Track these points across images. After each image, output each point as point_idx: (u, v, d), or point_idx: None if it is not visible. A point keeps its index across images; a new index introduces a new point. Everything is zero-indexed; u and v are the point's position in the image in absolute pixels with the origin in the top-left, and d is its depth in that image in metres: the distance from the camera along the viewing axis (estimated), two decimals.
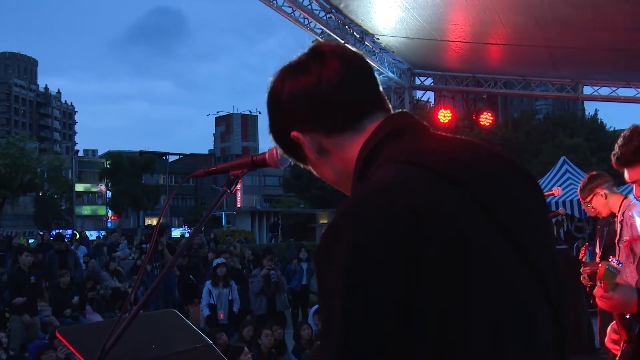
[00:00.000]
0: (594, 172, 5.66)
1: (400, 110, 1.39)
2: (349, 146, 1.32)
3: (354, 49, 1.44)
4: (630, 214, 4.66)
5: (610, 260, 2.62)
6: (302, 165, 1.47)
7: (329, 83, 1.32)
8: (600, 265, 2.59)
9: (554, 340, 1.18)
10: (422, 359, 1.06)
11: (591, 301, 5.56)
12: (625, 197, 5.07)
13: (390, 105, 1.40)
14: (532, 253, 1.18)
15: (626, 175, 2.91)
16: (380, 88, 1.41)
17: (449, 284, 1.06)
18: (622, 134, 2.90)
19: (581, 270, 5.84)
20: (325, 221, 51.82)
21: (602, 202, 5.25)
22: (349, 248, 1.08)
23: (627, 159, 2.84)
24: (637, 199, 4.01)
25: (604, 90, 12.57)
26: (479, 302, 1.08)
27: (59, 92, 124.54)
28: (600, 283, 2.56)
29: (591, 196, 5.28)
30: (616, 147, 2.89)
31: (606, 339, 2.87)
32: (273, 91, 1.40)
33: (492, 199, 1.17)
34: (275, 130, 1.43)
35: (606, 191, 5.26)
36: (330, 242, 1.12)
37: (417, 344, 1.06)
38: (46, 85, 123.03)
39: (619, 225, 4.74)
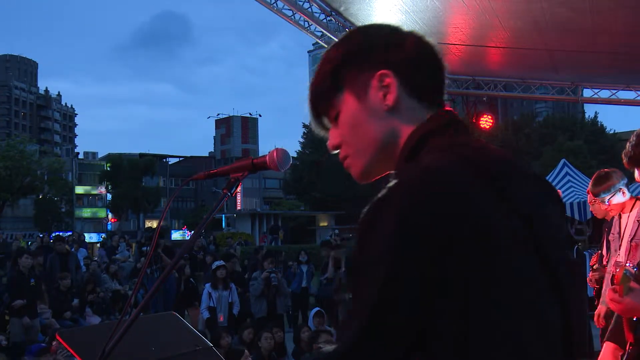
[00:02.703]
0: (607, 170, 5.29)
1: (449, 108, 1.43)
2: (416, 118, 1.34)
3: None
4: None
5: (627, 265, 2.63)
6: (325, 123, 1.44)
7: (436, 52, 1.40)
8: (618, 270, 2.59)
9: (562, 340, 1.22)
10: (444, 338, 1.10)
11: (595, 303, 5.54)
12: (638, 198, 5.00)
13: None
14: (551, 254, 1.22)
15: (637, 175, 2.91)
16: None
17: (479, 269, 1.10)
18: (635, 133, 2.89)
19: (589, 275, 5.76)
20: (326, 223, 51.87)
21: (622, 199, 5.00)
22: (398, 223, 1.11)
23: (639, 159, 2.84)
24: None
25: (604, 93, 12.57)
26: (502, 292, 1.12)
27: (59, 95, 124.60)
28: (617, 287, 2.57)
29: (613, 193, 4.98)
30: (628, 146, 2.88)
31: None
32: (380, 29, 1.41)
33: (520, 198, 1.22)
34: (356, 59, 1.37)
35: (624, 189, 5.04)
36: (378, 215, 1.14)
37: (441, 321, 1.10)
38: (46, 88, 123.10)
39: (636, 223, 4.63)
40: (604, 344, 2.95)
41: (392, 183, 1.17)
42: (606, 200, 4.97)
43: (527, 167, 1.32)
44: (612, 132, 58.34)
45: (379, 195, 1.17)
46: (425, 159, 1.21)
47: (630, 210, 4.92)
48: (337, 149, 1.42)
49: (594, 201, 5.20)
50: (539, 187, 1.31)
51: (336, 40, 1.45)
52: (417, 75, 1.35)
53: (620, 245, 4.76)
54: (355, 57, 1.36)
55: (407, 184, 1.15)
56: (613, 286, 2.61)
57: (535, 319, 1.16)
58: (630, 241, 4.57)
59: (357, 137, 1.37)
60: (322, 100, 1.40)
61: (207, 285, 11.10)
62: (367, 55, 1.35)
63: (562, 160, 18.37)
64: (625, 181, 5.07)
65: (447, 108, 1.39)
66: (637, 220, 4.68)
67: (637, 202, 4.94)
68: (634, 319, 2.66)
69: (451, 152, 1.21)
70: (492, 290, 1.11)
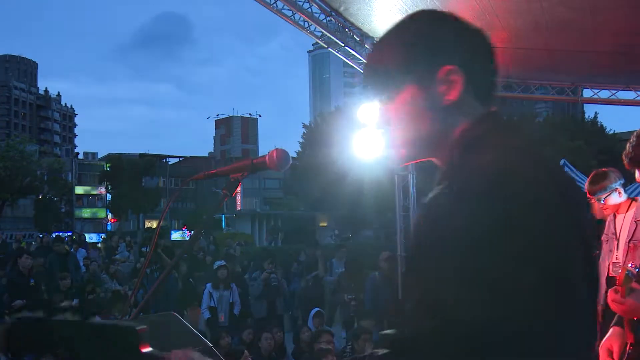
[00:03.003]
0: (605, 169, 5.27)
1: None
2: (471, 114, 1.38)
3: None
4: None
5: (629, 266, 2.63)
6: (387, 103, 1.44)
7: (493, 48, 1.48)
8: (620, 270, 2.60)
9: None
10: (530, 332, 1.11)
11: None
12: (634, 199, 4.97)
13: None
14: (589, 247, 1.28)
15: (637, 175, 2.90)
16: None
17: (558, 257, 1.14)
18: (635, 134, 2.88)
19: None
20: (325, 224, 51.86)
21: (618, 200, 4.96)
22: (487, 213, 1.14)
23: None
24: None
25: (604, 93, 12.56)
26: (573, 288, 1.16)
27: (59, 95, 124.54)
28: (618, 288, 2.57)
29: (609, 193, 4.95)
30: (629, 147, 2.87)
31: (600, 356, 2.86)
32: (449, 24, 1.45)
33: (575, 204, 1.27)
34: (426, 54, 1.40)
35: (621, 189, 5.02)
36: (460, 207, 1.17)
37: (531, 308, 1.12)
38: (46, 88, 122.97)
39: (634, 224, 4.63)
40: (611, 329, 2.93)
41: (464, 175, 1.22)
42: (602, 200, 4.93)
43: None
44: (612, 132, 58.31)
45: (450, 188, 1.22)
46: (489, 155, 1.24)
47: (627, 211, 4.89)
48: (383, 127, 1.45)
49: (590, 200, 5.12)
50: (580, 192, 1.39)
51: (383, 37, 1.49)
52: (479, 74, 1.40)
53: (616, 246, 4.73)
54: (427, 48, 1.40)
55: (491, 177, 1.18)
56: (614, 287, 2.61)
57: (589, 320, 1.22)
58: (629, 242, 4.56)
59: (412, 124, 1.40)
60: (385, 79, 1.43)
61: (208, 285, 11.11)
62: (439, 48, 1.39)
63: (562, 161, 18.34)
64: (622, 181, 5.05)
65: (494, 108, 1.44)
66: (635, 221, 4.67)
67: (633, 203, 4.92)
68: (635, 319, 2.66)
69: (518, 150, 1.26)
70: (567, 286, 1.15)
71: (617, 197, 4.94)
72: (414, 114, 1.38)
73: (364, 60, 10.21)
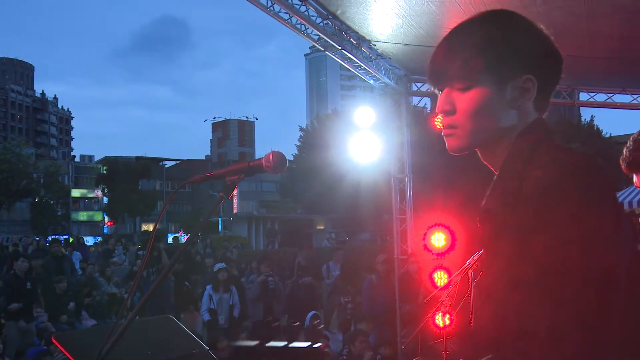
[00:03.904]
0: None
1: None
2: (526, 120, 1.49)
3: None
4: None
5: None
6: (451, 87, 1.53)
7: (561, 58, 1.57)
8: None
9: None
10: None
11: None
12: None
13: None
14: None
15: (635, 179, 2.90)
16: None
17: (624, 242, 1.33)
18: (633, 138, 2.87)
19: None
20: (322, 226, 51.83)
21: None
22: (584, 194, 1.28)
23: (638, 164, 2.84)
24: None
25: (600, 97, 12.58)
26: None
27: (55, 98, 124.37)
28: None
29: None
30: (626, 151, 2.86)
31: None
32: (537, 32, 1.54)
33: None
34: (510, 56, 1.48)
35: None
36: (558, 198, 1.28)
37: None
38: (43, 91, 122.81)
39: None
40: None
41: (545, 170, 1.33)
42: None
43: None
44: (608, 135, 58.37)
45: (541, 181, 1.31)
46: (557, 154, 1.39)
47: None
48: (444, 114, 1.53)
49: None
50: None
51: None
52: (548, 83, 1.50)
53: None
54: (513, 53, 1.47)
55: (579, 171, 1.33)
56: None
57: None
58: None
59: (478, 120, 1.48)
60: (465, 72, 1.49)
61: (208, 287, 11.11)
62: (522, 55, 1.47)
63: None
64: None
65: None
66: None
67: None
68: None
69: (578, 153, 1.40)
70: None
71: None
72: (483, 110, 1.47)
73: (361, 64, 10.22)
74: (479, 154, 1.54)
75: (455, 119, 1.49)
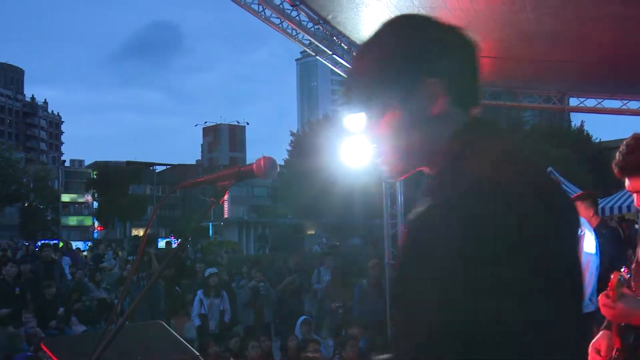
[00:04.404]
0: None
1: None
2: (456, 123, 1.37)
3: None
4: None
5: (622, 271, 2.65)
6: (377, 123, 1.42)
7: (478, 61, 1.44)
8: (612, 275, 2.61)
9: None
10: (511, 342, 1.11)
11: None
12: None
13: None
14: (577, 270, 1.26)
15: (627, 184, 2.91)
16: None
17: (544, 267, 1.14)
18: (625, 142, 2.88)
19: None
20: (313, 232, 51.84)
21: None
22: (466, 226, 1.13)
23: (632, 168, 2.84)
24: (637, 209, 4.10)
25: (590, 102, 12.64)
26: (559, 302, 1.16)
27: (45, 102, 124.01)
28: (610, 292, 2.59)
29: None
30: (619, 155, 2.87)
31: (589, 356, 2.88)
32: (429, 33, 1.40)
33: (561, 214, 1.25)
34: (405, 68, 1.37)
35: None
36: (444, 223, 1.17)
37: (512, 318, 1.12)
38: (33, 95, 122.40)
39: None
40: (600, 331, 2.95)
41: (448, 190, 1.21)
42: None
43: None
44: (598, 140, 58.72)
45: (437, 202, 1.21)
46: (474, 165, 1.23)
47: None
48: (373, 142, 1.44)
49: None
50: (568, 200, 1.36)
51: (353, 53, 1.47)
52: (463, 82, 1.39)
53: None
54: (408, 60, 1.37)
55: (472, 193, 1.18)
56: (606, 292, 2.63)
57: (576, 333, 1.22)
58: None
59: (399, 140, 1.39)
60: (369, 94, 1.41)
61: (199, 292, 11.07)
62: (420, 60, 1.37)
63: (549, 169, 18.47)
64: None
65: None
66: None
67: None
68: (623, 325, 2.67)
69: (501, 160, 1.24)
70: (551, 300, 1.14)
71: None
72: (401, 127, 1.37)
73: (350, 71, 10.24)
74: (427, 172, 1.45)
75: (383, 146, 1.42)
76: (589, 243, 5.26)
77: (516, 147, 1.31)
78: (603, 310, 2.66)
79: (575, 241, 1.27)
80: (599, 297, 2.66)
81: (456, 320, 1.12)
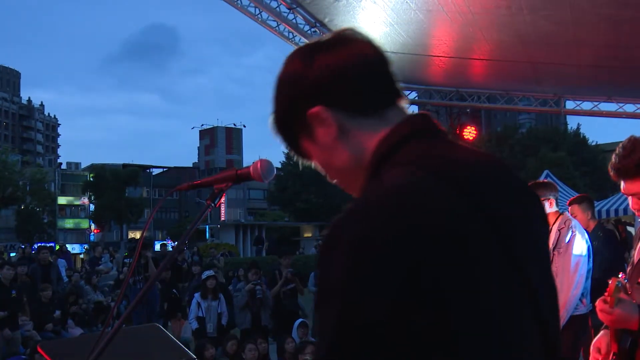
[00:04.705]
0: (545, 181, 6.12)
1: (421, 112, 1.38)
2: (371, 132, 1.29)
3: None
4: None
5: (620, 276, 2.65)
6: (301, 160, 1.42)
7: (364, 63, 1.31)
8: (610, 281, 2.61)
9: (541, 351, 1.20)
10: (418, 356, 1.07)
11: None
12: (562, 213, 5.64)
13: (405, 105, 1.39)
14: (527, 265, 1.20)
15: (623, 186, 2.91)
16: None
17: (449, 284, 1.08)
18: (622, 145, 2.87)
19: None
20: (310, 234, 51.78)
21: (547, 210, 5.52)
22: (352, 247, 1.08)
23: (628, 171, 2.84)
24: (625, 212, 4.12)
25: (586, 105, 12.67)
26: (475, 304, 1.09)
27: (42, 105, 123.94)
28: (607, 298, 2.59)
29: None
30: (615, 157, 2.87)
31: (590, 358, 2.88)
32: (296, 69, 1.33)
33: (496, 209, 1.19)
34: (289, 111, 1.34)
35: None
36: (335, 240, 1.12)
37: (413, 341, 1.06)
38: (29, 98, 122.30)
39: (557, 233, 5.38)
40: (601, 331, 2.95)
41: (351, 205, 1.15)
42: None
43: (506, 172, 1.30)
44: (594, 143, 58.86)
45: (337, 219, 1.14)
46: (387, 176, 1.19)
47: (553, 224, 5.43)
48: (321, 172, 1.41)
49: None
50: (519, 195, 1.29)
51: (355, 31, 1.39)
52: (350, 95, 1.30)
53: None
54: (290, 96, 1.34)
55: (367, 206, 1.14)
56: (603, 297, 2.63)
57: (516, 332, 1.15)
58: (553, 250, 5.26)
59: (331, 171, 1.37)
60: (289, 144, 1.40)
61: (197, 295, 11.04)
62: (300, 91, 1.32)
63: (545, 172, 18.51)
64: (556, 194, 5.66)
65: (410, 112, 1.35)
66: (558, 230, 5.33)
67: (560, 216, 5.53)
68: (620, 329, 2.68)
69: (415, 165, 1.19)
70: (472, 305, 1.09)
71: (547, 207, 5.48)
72: (326, 164, 1.36)
73: None
74: None
75: (329, 177, 1.40)
76: (578, 245, 5.30)
77: (444, 146, 1.26)
78: (600, 316, 2.66)
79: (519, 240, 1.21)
80: (597, 303, 2.66)
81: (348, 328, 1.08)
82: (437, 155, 1.23)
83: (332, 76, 1.29)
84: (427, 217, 1.10)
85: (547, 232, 1.36)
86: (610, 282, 2.60)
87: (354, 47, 1.33)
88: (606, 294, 2.60)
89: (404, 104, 1.36)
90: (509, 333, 1.13)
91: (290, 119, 1.35)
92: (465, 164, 1.23)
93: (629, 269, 3.01)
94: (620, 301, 2.56)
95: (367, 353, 1.07)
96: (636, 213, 3.03)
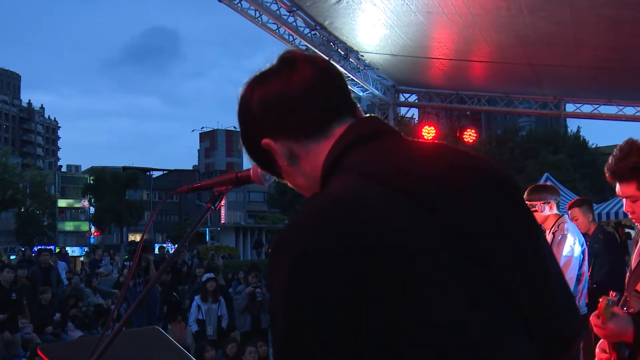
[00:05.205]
0: (547, 184, 6.09)
1: (369, 115, 1.39)
2: (317, 152, 1.31)
3: (322, 55, 1.46)
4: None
5: (610, 295, 2.65)
6: (276, 178, 1.48)
7: (297, 87, 1.33)
8: (600, 300, 2.61)
9: (529, 349, 1.17)
10: None
11: None
12: (561, 216, 5.56)
13: (361, 112, 1.39)
14: (494, 265, 1.16)
15: (618, 189, 2.91)
16: (351, 95, 1.40)
17: (395, 295, 1.06)
18: (619, 147, 2.87)
19: None
20: None
21: (547, 212, 5.50)
22: (291, 263, 1.09)
23: (623, 173, 2.84)
24: (625, 215, 4.13)
25: (586, 108, 12.68)
26: (426, 314, 1.07)
27: (42, 108, 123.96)
28: (599, 314, 2.59)
29: (541, 203, 5.48)
30: (612, 160, 2.87)
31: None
32: (243, 100, 1.39)
33: (448, 210, 1.16)
34: (247, 140, 1.42)
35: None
36: (277, 256, 1.13)
37: (360, 355, 1.05)
38: (29, 100, 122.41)
39: (551, 235, 5.34)
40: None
41: (293, 217, 1.17)
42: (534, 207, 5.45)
43: (470, 167, 1.27)
44: (594, 146, 58.86)
45: (282, 230, 1.16)
46: (330, 186, 1.21)
47: (551, 227, 5.45)
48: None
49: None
50: (485, 192, 1.24)
51: (299, 51, 1.43)
52: (288, 124, 1.33)
53: None
54: (246, 134, 1.41)
55: (299, 223, 1.15)
56: (595, 313, 2.64)
57: (468, 341, 1.09)
58: None
59: (297, 186, 1.42)
60: (259, 166, 1.49)
61: (197, 298, 11.03)
62: (248, 130, 1.40)
63: (545, 174, 18.49)
64: (557, 198, 5.60)
65: (358, 119, 1.35)
66: (552, 233, 5.32)
67: (559, 219, 5.48)
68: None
69: (357, 171, 1.20)
70: (419, 314, 1.06)
71: (547, 210, 5.47)
72: (295, 186, 1.42)
73: (349, 74, 10.24)
74: None
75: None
76: (568, 246, 5.29)
77: (398, 150, 1.26)
78: (595, 330, 2.67)
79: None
80: (590, 318, 2.67)
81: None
82: (379, 160, 1.23)
83: (267, 109, 1.34)
84: (368, 230, 1.09)
85: (528, 229, 1.28)
86: (600, 300, 2.60)
87: (289, 73, 1.35)
88: (597, 311, 2.61)
89: (354, 112, 1.37)
90: (467, 342, 1.09)
91: (251, 146, 1.41)
92: (410, 165, 1.22)
93: (627, 275, 3.02)
94: (613, 316, 2.57)
95: None
96: (629, 216, 3.03)
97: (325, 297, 1.06)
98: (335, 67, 1.41)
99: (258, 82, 1.38)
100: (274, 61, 1.40)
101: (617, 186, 2.91)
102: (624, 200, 2.94)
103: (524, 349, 1.16)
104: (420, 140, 1.35)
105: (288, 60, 1.37)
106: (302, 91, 1.33)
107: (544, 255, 1.28)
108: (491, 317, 1.13)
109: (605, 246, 7.05)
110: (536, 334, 1.19)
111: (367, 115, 1.38)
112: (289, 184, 1.43)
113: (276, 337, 1.11)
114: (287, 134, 1.33)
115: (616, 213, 15.36)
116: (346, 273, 1.06)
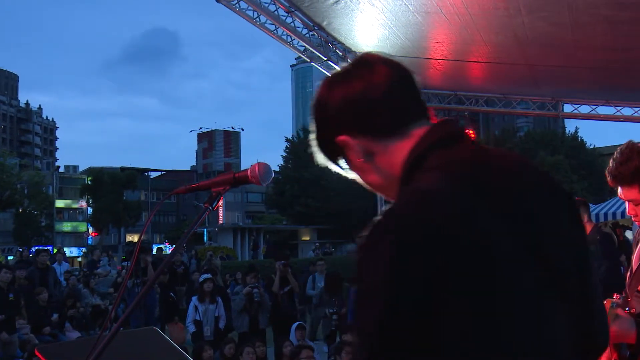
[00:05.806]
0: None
1: (445, 118, 1.45)
2: (396, 151, 1.38)
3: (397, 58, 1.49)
4: None
5: (614, 297, 2.66)
6: (344, 174, 1.52)
7: (379, 88, 1.39)
8: (605, 302, 2.62)
9: (574, 340, 1.27)
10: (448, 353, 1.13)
11: None
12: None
13: (433, 113, 1.47)
14: (556, 263, 1.26)
15: (620, 192, 2.91)
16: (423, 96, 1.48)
17: (473, 284, 1.14)
18: (619, 150, 2.87)
19: None
20: (308, 238, 51.83)
21: None
22: (393, 247, 1.15)
23: (624, 177, 2.84)
24: (623, 215, 4.12)
25: (584, 109, 12.69)
26: (497, 304, 1.15)
27: (40, 108, 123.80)
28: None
29: None
30: (612, 163, 2.87)
31: None
32: (320, 99, 1.45)
33: (521, 212, 1.25)
34: (322, 136, 1.46)
35: None
36: (374, 242, 1.18)
37: (445, 338, 1.12)
38: (27, 101, 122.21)
39: None
40: None
41: (386, 208, 1.22)
42: None
43: (535, 174, 1.36)
44: (592, 147, 58.94)
45: (375, 221, 1.21)
46: (417, 182, 1.26)
47: None
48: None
49: None
50: (548, 198, 1.34)
51: (375, 53, 1.48)
52: (368, 122, 1.39)
53: None
54: (321, 130, 1.46)
55: (398, 210, 1.21)
56: None
57: (538, 333, 1.18)
58: None
59: (368, 185, 1.48)
60: (330, 162, 1.51)
61: (194, 299, 11.02)
62: (325, 127, 1.44)
63: None
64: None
65: (435, 121, 1.42)
66: None
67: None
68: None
69: (442, 170, 1.25)
70: (494, 306, 1.14)
71: None
72: (364, 180, 1.47)
73: None
74: None
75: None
76: None
77: (473, 152, 1.33)
78: None
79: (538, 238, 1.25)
80: None
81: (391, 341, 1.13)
82: (462, 159, 1.30)
83: (348, 107, 1.40)
84: (458, 224, 1.16)
85: (581, 235, 1.40)
86: (605, 302, 2.61)
87: (369, 74, 1.42)
88: None
89: (429, 114, 1.45)
90: (531, 333, 1.18)
91: (323, 142, 1.47)
92: (487, 168, 1.30)
93: (627, 276, 3.01)
94: (616, 317, 2.58)
95: (407, 352, 1.13)
96: (633, 219, 3.03)
97: (423, 275, 1.12)
98: (409, 69, 1.47)
99: (337, 82, 1.43)
100: (350, 62, 1.47)
101: (619, 190, 2.91)
102: (627, 203, 2.94)
103: (574, 351, 1.27)
104: (485, 146, 1.43)
105: (366, 62, 1.44)
106: (382, 92, 1.39)
107: (591, 262, 1.39)
108: (555, 318, 1.23)
109: (602, 247, 7.07)
110: (582, 338, 1.30)
111: (444, 118, 1.45)
112: (359, 179, 1.48)
113: (368, 319, 1.16)
114: (365, 132, 1.39)
115: (614, 214, 15.38)
116: (436, 261, 1.13)
